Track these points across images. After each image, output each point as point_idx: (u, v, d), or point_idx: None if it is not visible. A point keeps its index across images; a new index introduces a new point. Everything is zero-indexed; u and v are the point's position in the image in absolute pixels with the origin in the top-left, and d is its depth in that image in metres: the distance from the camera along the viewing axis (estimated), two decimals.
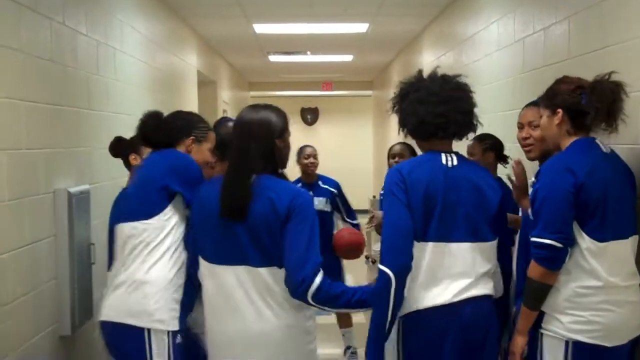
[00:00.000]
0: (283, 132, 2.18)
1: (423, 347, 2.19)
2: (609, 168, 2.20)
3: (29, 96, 2.75)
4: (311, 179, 4.67)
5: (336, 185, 4.72)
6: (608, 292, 2.15)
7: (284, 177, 2.22)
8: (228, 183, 2.13)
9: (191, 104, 6.53)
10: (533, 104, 2.63)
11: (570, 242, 2.12)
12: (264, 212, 2.08)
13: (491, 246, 2.25)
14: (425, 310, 2.19)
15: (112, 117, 3.81)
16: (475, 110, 2.32)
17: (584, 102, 2.18)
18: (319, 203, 4.49)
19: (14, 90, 2.63)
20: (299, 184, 4.53)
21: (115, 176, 3.71)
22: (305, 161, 4.67)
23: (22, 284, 2.64)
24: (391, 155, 4.30)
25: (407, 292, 2.17)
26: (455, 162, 2.26)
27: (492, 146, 3.35)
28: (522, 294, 2.25)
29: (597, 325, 2.14)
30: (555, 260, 2.11)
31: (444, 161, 2.25)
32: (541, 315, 2.19)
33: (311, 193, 4.45)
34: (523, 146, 2.63)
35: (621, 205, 2.18)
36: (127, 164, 2.96)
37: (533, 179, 2.29)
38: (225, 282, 2.13)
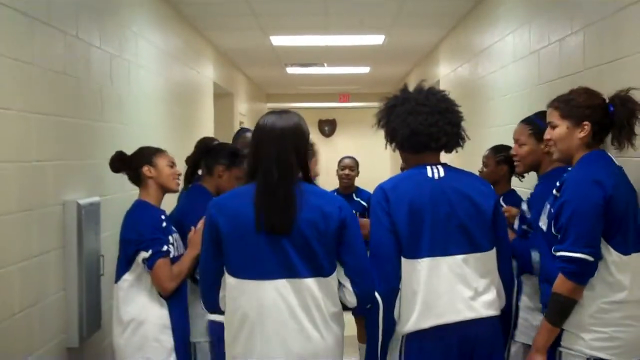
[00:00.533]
0: (309, 137, 2.16)
1: None
2: (624, 181, 2.20)
3: (40, 108, 2.77)
4: (347, 191, 4.63)
5: (369, 197, 4.53)
6: (631, 307, 2.13)
7: (313, 183, 2.19)
8: (270, 194, 2.00)
9: (207, 116, 6.56)
10: (525, 121, 2.80)
11: (600, 256, 2.10)
12: (314, 221, 2.01)
13: (489, 256, 2.19)
14: (430, 329, 2.13)
15: (126, 129, 3.83)
16: (462, 124, 2.28)
17: (611, 116, 2.17)
18: None
19: (25, 102, 2.65)
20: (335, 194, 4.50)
21: (127, 189, 3.72)
22: (341, 172, 4.66)
23: (30, 296, 2.64)
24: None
25: (408, 311, 2.13)
26: (442, 174, 2.21)
27: (506, 159, 3.29)
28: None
29: (618, 342, 2.12)
30: (585, 274, 2.09)
31: (429, 174, 2.21)
32: (559, 332, 2.15)
33: None
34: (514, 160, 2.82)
35: (636, 217, 2.18)
36: (136, 178, 2.85)
37: (524, 206, 2.41)
38: (266, 297, 2.00)
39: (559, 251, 2.12)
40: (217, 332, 2.50)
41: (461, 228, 2.15)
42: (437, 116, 2.21)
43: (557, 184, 2.23)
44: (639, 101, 2.20)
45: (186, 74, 5.64)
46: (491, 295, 2.17)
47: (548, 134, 2.29)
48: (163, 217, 2.73)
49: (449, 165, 2.27)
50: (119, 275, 2.68)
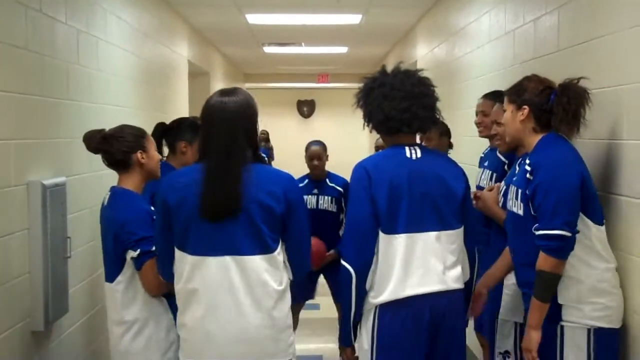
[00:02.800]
0: (258, 116, 2.17)
1: (397, 334, 2.26)
2: (582, 159, 2.34)
3: (0, 85, 2.68)
4: (319, 178, 4.35)
5: (345, 184, 4.27)
6: (614, 275, 2.29)
7: (263, 161, 2.19)
8: (215, 181, 2.04)
9: (181, 96, 6.46)
10: (489, 96, 3.02)
11: (576, 230, 2.21)
12: (260, 201, 2.05)
13: (458, 233, 2.34)
14: (404, 299, 2.26)
15: (95, 108, 3.73)
16: (438, 104, 2.39)
17: (551, 103, 2.31)
18: (324, 202, 4.29)
19: None
20: (306, 181, 4.33)
21: (95, 168, 3.63)
22: (309, 162, 4.36)
23: None
24: (376, 147, 4.44)
25: (384, 282, 2.26)
26: (419, 155, 2.33)
27: (447, 131, 3.87)
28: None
29: (610, 310, 2.26)
30: (564, 250, 2.20)
31: (408, 154, 2.32)
32: (558, 309, 2.25)
33: (316, 191, 4.38)
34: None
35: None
36: (120, 163, 2.51)
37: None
38: (209, 273, 2.07)
39: (539, 230, 2.22)
40: None
41: (434, 207, 2.29)
42: (411, 101, 2.30)
43: (527, 168, 2.30)
44: (588, 88, 2.33)
45: (159, 51, 5.52)
46: (458, 270, 2.34)
47: (502, 119, 2.47)
48: (152, 208, 2.49)
49: (425, 147, 2.42)
50: (112, 275, 2.43)
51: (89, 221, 3.51)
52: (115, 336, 2.45)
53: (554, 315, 2.26)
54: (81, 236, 3.40)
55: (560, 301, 2.25)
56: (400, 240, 2.25)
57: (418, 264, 2.26)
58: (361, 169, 2.29)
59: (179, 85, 6.33)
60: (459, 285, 2.34)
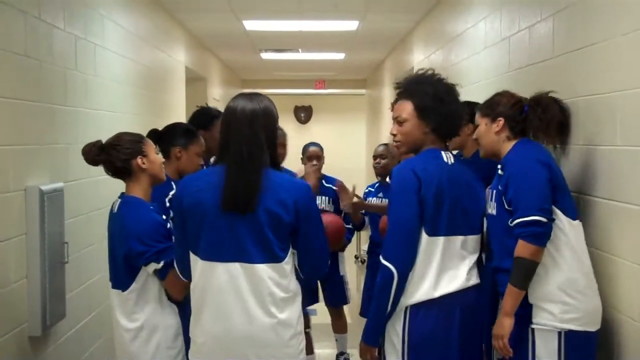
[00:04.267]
0: (278, 121, 2.22)
1: (430, 333, 2.32)
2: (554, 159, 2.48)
3: None
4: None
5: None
6: (587, 275, 2.30)
7: (280, 167, 2.23)
8: (238, 174, 2.06)
9: (178, 101, 6.47)
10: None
11: (552, 217, 2.26)
12: (271, 210, 2.07)
13: (479, 238, 2.46)
14: (435, 298, 2.33)
15: (92, 113, 3.75)
16: None
17: (525, 114, 2.47)
18: (322, 202, 4.38)
19: None
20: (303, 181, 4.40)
21: (93, 174, 3.64)
22: (308, 163, 4.41)
23: None
24: (373, 157, 4.45)
25: (419, 282, 2.32)
26: (452, 160, 2.44)
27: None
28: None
29: (582, 312, 2.25)
30: (542, 236, 2.24)
31: (445, 159, 2.42)
32: (528, 310, 2.27)
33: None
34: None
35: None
36: (121, 171, 2.50)
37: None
38: (217, 278, 2.09)
39: (514, 220, 2.27)
40: None
41: (464, 211, 2.39)
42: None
43: (499, 168, 2.42)
44: (561, 100, 2.55)
45: (156, 57, 5.54)
46: (476, 268, 2.45)
47: (475, 133, 2.58)
48: (164, 217, 2.52)
49: (454, 153, 2.54)
50: (122, 284, 2.42)
51: (86, 227, 3.52)
52: (124, 341, 2.44)
53: (525, 317, 2.27)
54: (78, 241, 3.40)
55: (530, 300, 2.26)
56: (440, 242, 2.34)
57: (450, 265, 2.35)
58: (409, 171, 2.35)
59: (176, 91, 6.34)
60: (479, 280, 2.44)
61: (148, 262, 2.38)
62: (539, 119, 2.45)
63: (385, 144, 4.39)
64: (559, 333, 2.24)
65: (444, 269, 2.34)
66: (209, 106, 3.77)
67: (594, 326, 2.29)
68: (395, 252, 2.31)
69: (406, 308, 2.33)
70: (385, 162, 4.42)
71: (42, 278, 2.87)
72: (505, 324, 2.26)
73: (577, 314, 2.25)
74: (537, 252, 2.23)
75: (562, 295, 2.25)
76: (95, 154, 2.50)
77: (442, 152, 2.42)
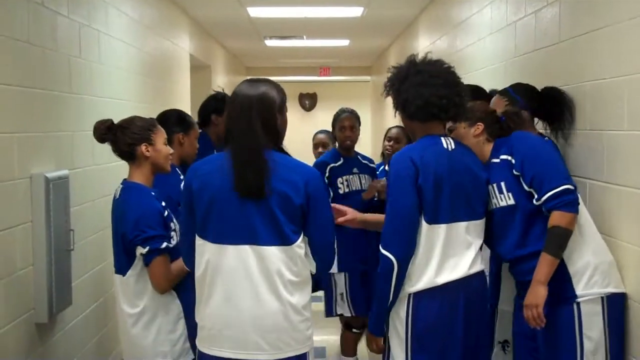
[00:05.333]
0: (282, 106, 2.19)
1: (434, 321, 2.31)
2: None
3: (2, 79, 2.68)
4: None
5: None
6: (602, 240, 2.37)
7: (285, 152, 2.22)
8: (243, 160, 2.09)
9: (183, 89, 6.46)
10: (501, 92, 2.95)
11: (575, 185, 2.34)
12: (281, 191, 2.08)
13: (482, 222, 2.44)
14: (439, 286, 2.31)
15: (97, 101, 3.74)
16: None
17: (502, 121, 2.55)
18: (361, 180, 4.40)
19: None
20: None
21: (98, 162, 3.66)
22: (315, 152, 4.63)
23: None
24: (387, 138, 4.33)
25: (421, 270, 2.31)
26: (453, 146, 2.40)
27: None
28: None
29: (614, 275, 2.32)
30: (574, 202, 2.29)
31: (445, 145, 2.38)
32: (569, 286, 2.29)
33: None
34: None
35: None
36: (126, 154, 2.56)
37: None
38: (228, 260, 2.09)
39: (543, 195, 2.29)
40: None
41: (467, 197, 2.37)
42: (449, 89, 2.36)
43: (503, 157, 2.44)
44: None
45: (160, 45, 5.52)
46: (480, 254, 2.43)
47: (454, 134, 2.55)
48: (163, 203, 2.53)
49: (454, 138, 2.46)
50: (123, 268, 2.48)
51: (92, 214, 3.53)
52: (127, 325, 2.50)
53: (566, 293, 2.28)
54: (84, 229, 3.41)
55: (571, 271, 2.30)
56: (442, 230, 2.32)
57: (453, 252, 2.33)
58: (407, 159, 2.32)
59: (180, 79, 6.33)
60: (483, 267, 2.44)
61: (134, 245, 2.42)
62: (510, 127, 2.52)
63: (400, 127, 4.23)
64: (602, 299, 2.28)
65: (447, 256, 2.32)
66: (223, 92, 3.82)
67: (623, 287, 2.34)
68: (394, 241, 2.29)
69: (409, 295, 2.32)
70: (398, 147, 4.31)
71: (48, 265, 2.88)
72: (540, 293, 2.24)
73: (612, 277, 2.32)
74: (572, 219, 2.27)
75: (598, 262, 2.31)
76: (103, 132, 2.54)
77: (442, 138, 2.38)
